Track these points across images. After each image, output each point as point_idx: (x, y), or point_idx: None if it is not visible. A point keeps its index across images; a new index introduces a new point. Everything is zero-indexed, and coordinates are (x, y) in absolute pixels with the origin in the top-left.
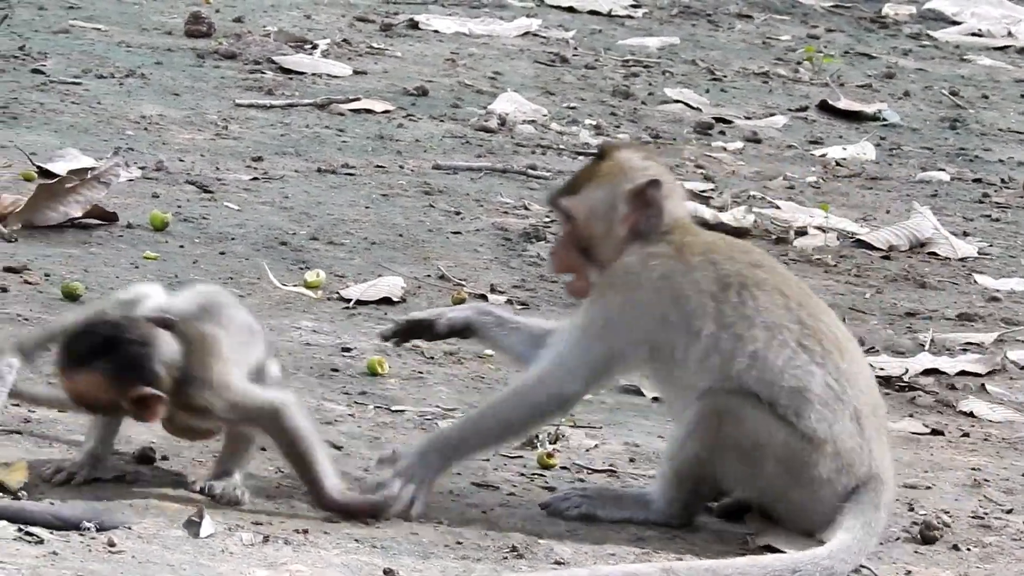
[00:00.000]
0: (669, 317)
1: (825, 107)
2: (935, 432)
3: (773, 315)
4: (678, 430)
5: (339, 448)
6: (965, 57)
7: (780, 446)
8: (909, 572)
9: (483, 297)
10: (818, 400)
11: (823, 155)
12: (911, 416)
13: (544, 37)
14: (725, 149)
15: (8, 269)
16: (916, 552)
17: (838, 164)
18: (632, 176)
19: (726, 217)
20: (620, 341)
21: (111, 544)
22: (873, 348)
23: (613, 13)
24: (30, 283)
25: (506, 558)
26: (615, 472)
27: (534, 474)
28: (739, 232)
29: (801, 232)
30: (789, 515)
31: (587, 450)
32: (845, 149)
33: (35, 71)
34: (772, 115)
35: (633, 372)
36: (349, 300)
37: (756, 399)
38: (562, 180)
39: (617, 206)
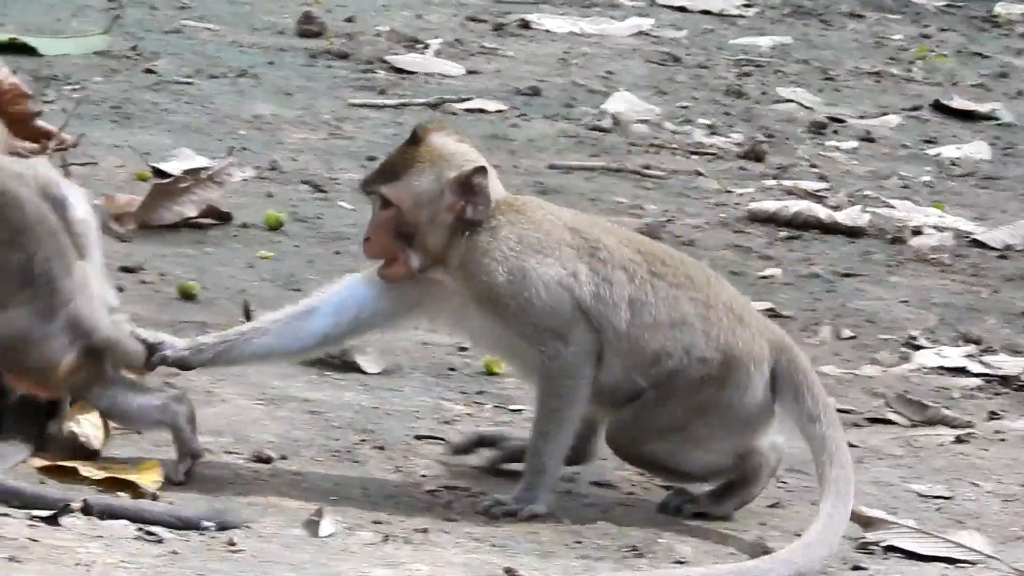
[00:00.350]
0: (545, 267)
1: (939, 106)
2: None
3: (624, 256)
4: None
5: None
6: None
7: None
8: None
9: None
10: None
11: (937, 154)
12: None
13: (656, 36)
14: (839, 149)
15: (124, 269)
16: None
17: (952, 164)
18: (454, 162)
19: (841, 217)
20: (539, 296)
21: (231, 543)
22: (991, 348)
23: (724, 12)
24: (146, 282)
25: (626, 557)
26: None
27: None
28: (854, 232)
29: (916, 232)
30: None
31: None
32: (959, 148)
33: (147, 71)
34: (885, 114)
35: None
36: None
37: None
38: (375, 165)
39: (444, 194)
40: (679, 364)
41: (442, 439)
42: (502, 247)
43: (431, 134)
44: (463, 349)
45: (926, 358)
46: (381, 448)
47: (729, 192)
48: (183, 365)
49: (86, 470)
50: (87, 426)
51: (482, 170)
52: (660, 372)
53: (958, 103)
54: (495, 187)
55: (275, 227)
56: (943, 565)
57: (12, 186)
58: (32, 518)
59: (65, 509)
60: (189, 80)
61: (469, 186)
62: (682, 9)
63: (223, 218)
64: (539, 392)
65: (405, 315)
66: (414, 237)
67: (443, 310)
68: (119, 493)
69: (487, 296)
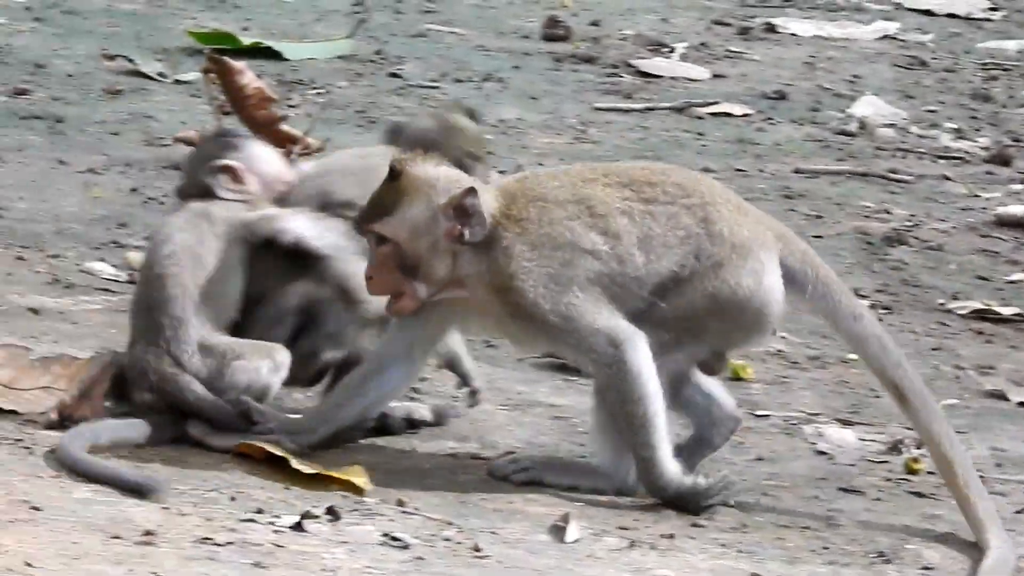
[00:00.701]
0: (571, 259)
1: None
2: None
3: (616, 198)
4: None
5: None
6: None
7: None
8: None
9: None
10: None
11: None
12: None
13: (903, 40)
14: None
15: None
16: None
17: None
18: (440, 187)
19: None
20: (576, 299)
21: (477, 549)
22: None
23: (971, 16)
24: None
25: (873, 563)
26: (983, 477)
27: (900, 479)
28: None
29: None
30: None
31: None
32: None
33: (392, 75)
34: None
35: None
36: None
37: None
38: (361, 207)
39: (438, 221)
40: (694, 271)
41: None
42: (523, 264)
43: (409, 166)
44: None
45: None
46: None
47: (976, 196)
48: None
49: (298, 464)
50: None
51: (471, 191)
52: (678, 287)
53: None
54: (487, 202)
55: None
56: None
57: None
58: (277, 524)
59: (307, 515)
60: (434, 84)
61: (462, 209)
62: (928, 12)
63: None
64: (611, 403)
65: (444, 334)
66: (418, 268)
67: (477, 323)
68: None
69: (527, 314)
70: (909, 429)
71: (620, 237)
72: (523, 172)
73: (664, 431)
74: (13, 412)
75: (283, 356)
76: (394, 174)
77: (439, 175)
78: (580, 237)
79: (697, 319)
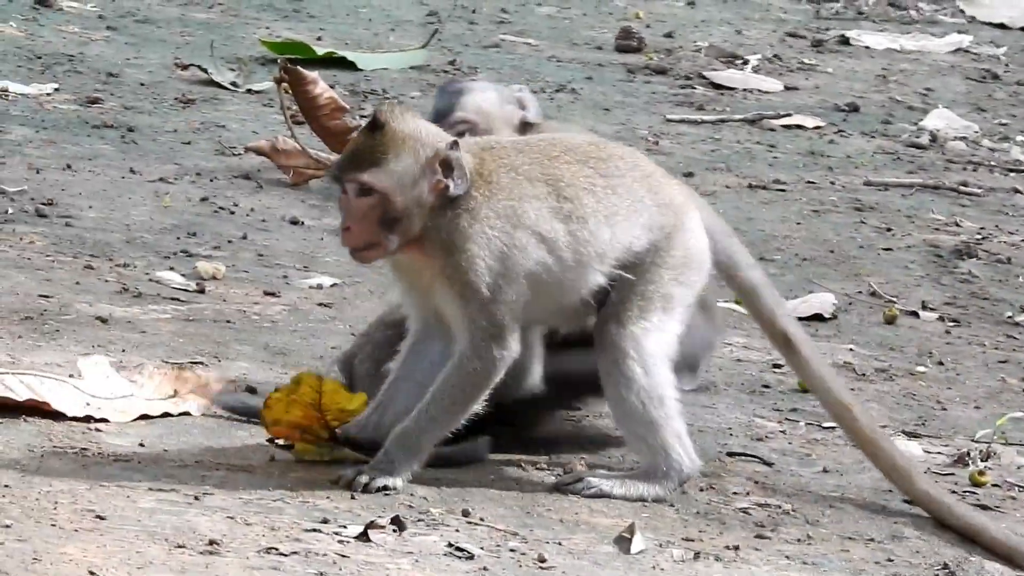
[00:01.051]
0: (528, 247)
1: None
2: None
3: (580, 176)
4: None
5: (770, 464)
6: None
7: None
8: None
9: (914, 314)
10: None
11: None
12: None
13: (975, 53)
14: None
15: None
16: None
17: None
18: (427, 141)
19: None
20: (512, 292)
21: (541, 560)
22: None
23: None
24: None
25: (937, 575)
26: None
27: (965, 491)
28: None
29: None
30: None
31: (1019, 467)
32: None
33: None
34: None
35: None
36: None
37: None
38: (338, 156)
39: (425, 174)
40: (650, 239)
41: (755, 456)
42: (484, 229)
43: (392, 117)
44: (777, 366)
45: None
46: (727, 460)
47: None
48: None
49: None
50: None
51: (455, 144)
52: (638, 257)
53: None
54: (465, 158)
55: None
56: None
57: None
58: (342, 534)
59: (372, 525)
60: None
61: (447, 163)
62: (1002, 26)
63: None
64: (445, 384)
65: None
66: (399, 221)
67: (407, 281)
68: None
69: (458, 272)
70: (975, 442)
71: (586, 219)
72: (485, 138)
73: (439, 437)
74: (104, 420)
75: None
76: (376, 124)
77: (423, 128)
78: (542, 222)
79: (662, 284)
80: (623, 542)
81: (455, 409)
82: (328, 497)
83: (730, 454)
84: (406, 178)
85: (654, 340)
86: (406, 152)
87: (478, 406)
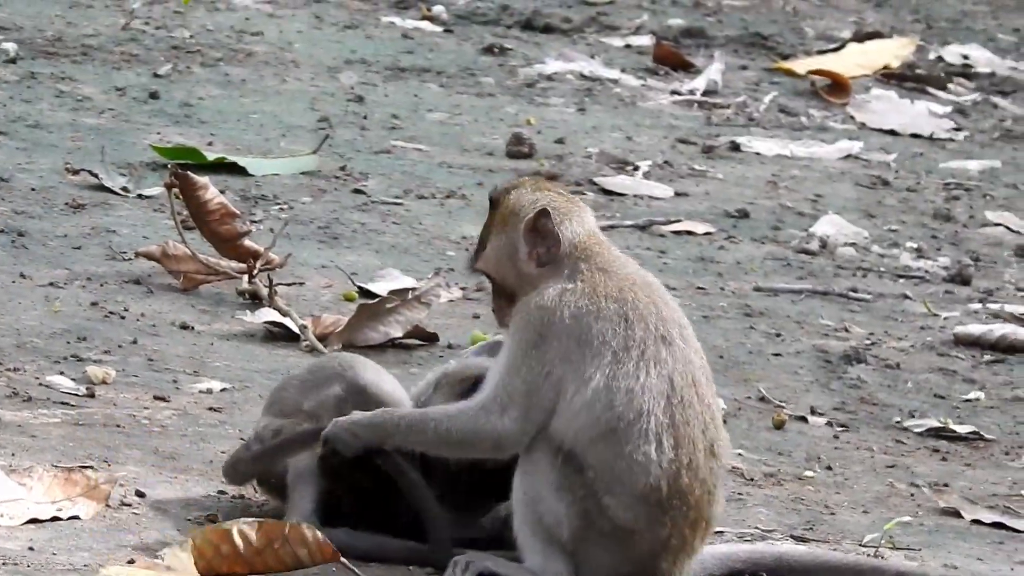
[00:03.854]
0: (571, 357)
1: None
2: None
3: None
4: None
5: None
6: None
7: None
8: None
9: (803, 419)
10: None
11: None
12: None
13: (866, 160)
14: None
15: None
16: None
17: None
18: (523, 214)
19: None
20: (536, 376)
21: None
22: None
23: (935, 136)
24: None
25: None
26: None
27: None
28: None
29: None
30: None
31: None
32: None
33: (356, 191)
34: None
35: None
36: None
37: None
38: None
39: (517, 247)
40: None
41: None
42: (559, 301)
43: (507, 194)
44: None
45: None
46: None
47: (935, 315)
48: None
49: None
50: None
51: (544, 212)
52: None
53: None
54: (573, 226)
55: None
56: None
57: None
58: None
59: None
60: (398, 200)
61: (536, 231)
62: (892, 132)
63: (429, 339)
64: (456, 406)
65: None
66: (514, 296)
67: None
68: None
69: (512, 329)
70: (863, 546)
71: (628, 349)
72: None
73: (397, 442)
74: None
75: None
76: (492, 204)
77: (524, 201)
78: (596, 338)
79: None
80: None
81: (430, 433)
82: None
83: None
84: (503, 255)
85: None
86: (504, 229)
87: (449, 455)
